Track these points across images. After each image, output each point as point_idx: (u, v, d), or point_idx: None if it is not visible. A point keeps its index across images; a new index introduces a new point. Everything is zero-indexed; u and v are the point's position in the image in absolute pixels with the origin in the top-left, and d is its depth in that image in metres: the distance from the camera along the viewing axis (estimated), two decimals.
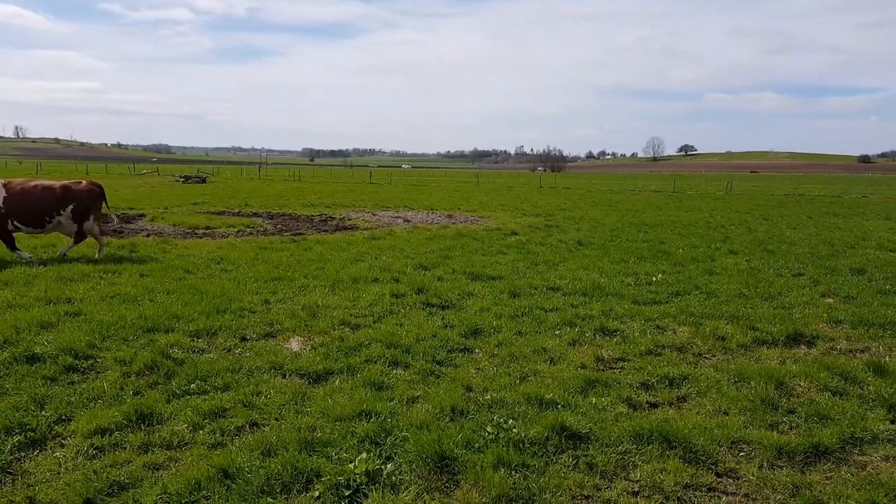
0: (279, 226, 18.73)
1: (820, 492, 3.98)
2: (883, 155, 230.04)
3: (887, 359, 6.45)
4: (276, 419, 4.83)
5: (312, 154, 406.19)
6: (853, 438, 4.67)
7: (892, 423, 4.98)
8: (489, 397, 5.27)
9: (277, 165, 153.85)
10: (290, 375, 5.77)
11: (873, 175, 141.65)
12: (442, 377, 5.79)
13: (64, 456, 4.28)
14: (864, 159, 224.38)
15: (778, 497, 3.94)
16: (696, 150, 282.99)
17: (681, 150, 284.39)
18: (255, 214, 22.32)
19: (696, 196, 41.48)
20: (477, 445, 4.41)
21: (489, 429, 4.63)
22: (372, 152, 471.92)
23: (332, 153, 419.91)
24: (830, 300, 9.20)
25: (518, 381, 5.74)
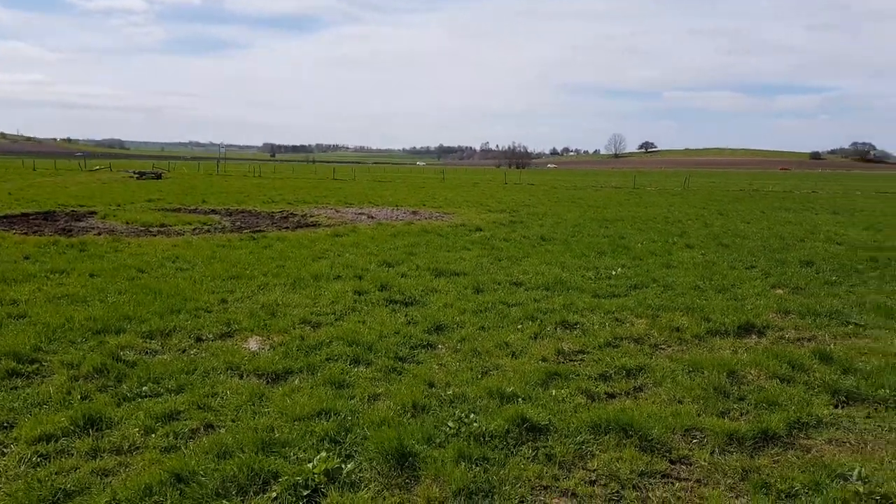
0: (238, 223, 18.44)
1: (767, 475, 4.13)
2: (832, 152, 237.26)
3: (832, 346, 6.70)
4: (233, 420, 4.79)
5: (273, 149, 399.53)
6: (799, 423, 4.85)
7: (836, 407, 5.18)
8: (451, 392, 5.32)
9: (237, 161, 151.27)
10: (247, 376, 5.73)
11: (823, 171, 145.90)
12: (404, 374, 5.82)
13: (5, 465, 4.13)
14: (815, 156, 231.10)
15: (728, 481, 4.07)
16: (655, 147, 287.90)
17: (641, 147, 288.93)
18: (213, 211, 21.95)
19: (655, 192, 42.23)
20: (438, 441, 4.46)
21: (451, 424, 4.68)
22: (336, 148, 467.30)
23: (294, 149, 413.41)
24: (780, 291, 9.50)
25: (480, 376, 5.80)
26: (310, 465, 4.03)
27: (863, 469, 4.09)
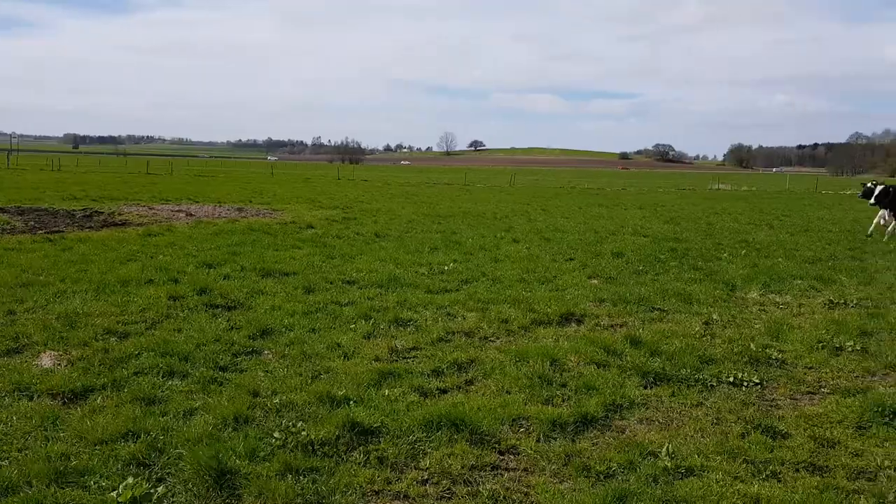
0: (31, 223, 16.33)
1: (588, 457, 4.33)
2: (639, 152, 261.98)
3: (641, 331, 7.27)
4: (20, 450, 4.16)
5: (77, 140, 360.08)
6: (614, 405, 5.17)
7: (646, 388, 5.60)
8: (278, 401, 5.04)
9: (32, 153, 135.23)
10: (39, 397, 5.01)
11: (630, 170, 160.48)
12: (225, 384, 5.42)
13: None
14: (624, 156, 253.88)
15: (552, 468, 4.22)
16: (484, 146, 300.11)
17: (471, 145, 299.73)
18: (1, 210, 19.35)
19: (484, 189, 43.91)
20: (262, 454, 4.18)
21: (277, 434, 4.41)
22: (150, 139, 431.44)
23: (102, 140, 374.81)
24: (595, 281, 10.18)
25: (310, 381, 5.57)
26: (114, 494, 3.59)
27: (670, 445, 4.43)
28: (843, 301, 8.88)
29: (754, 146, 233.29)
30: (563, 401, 5.27)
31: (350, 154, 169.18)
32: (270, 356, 6.23)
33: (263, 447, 4.26)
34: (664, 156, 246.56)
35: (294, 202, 26.00)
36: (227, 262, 10.78)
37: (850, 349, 6.60)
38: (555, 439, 4.61)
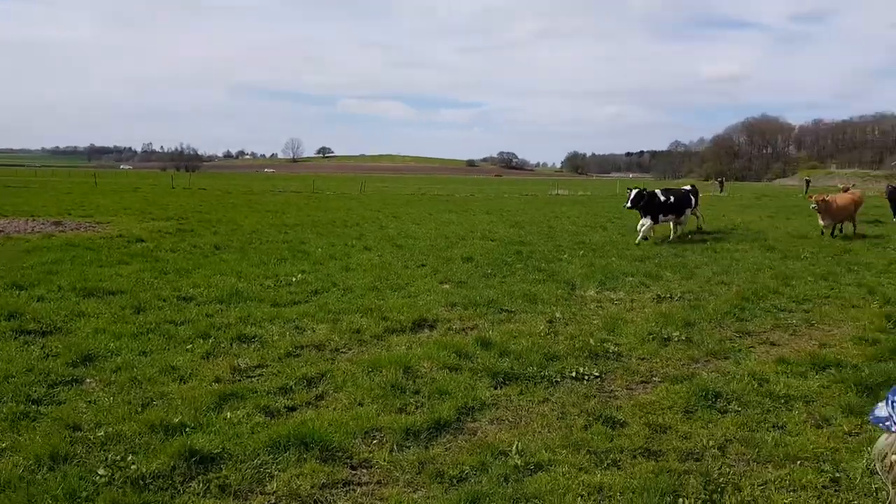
0: None
1: (441, 463, 4.32)
2: (485, 160, 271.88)
3: (491, 332, 7.44)
4: None
5: None
6: (466, 408, 5.21)
7: (496, 388, 5.70)
8: (103, 433, 4.55)
9: None
10: None
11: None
12: (40, 419, 4.81)
13: None
14: (471, 163, 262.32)
15: (406, 477, 4.15)
16: (333, 153, 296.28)
17: (319, 151, 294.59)
18: None
19: (334, 196, 43.28)
20: (84, 495, 3.73)
21: (102, 471, 3.97)
22: None
23: None
24: (447, 286, 10.31)
25: (140, 409, 5.09)
26: None
27: (519, 443, 4.53)
28: (668, 295, 9.67)
29: (588, 154, 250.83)
30: (417, 408, 5.23)
31: (186, 161, 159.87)
32: (94, 384, 5.62)
33: (86, 486, 3.81)
34: (508, 163, 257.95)
35: (121, 214, 24.02)
36: (41, 283, 9.66)
37: (676, 339, 7.17)
38: (409, 448, 4.55)
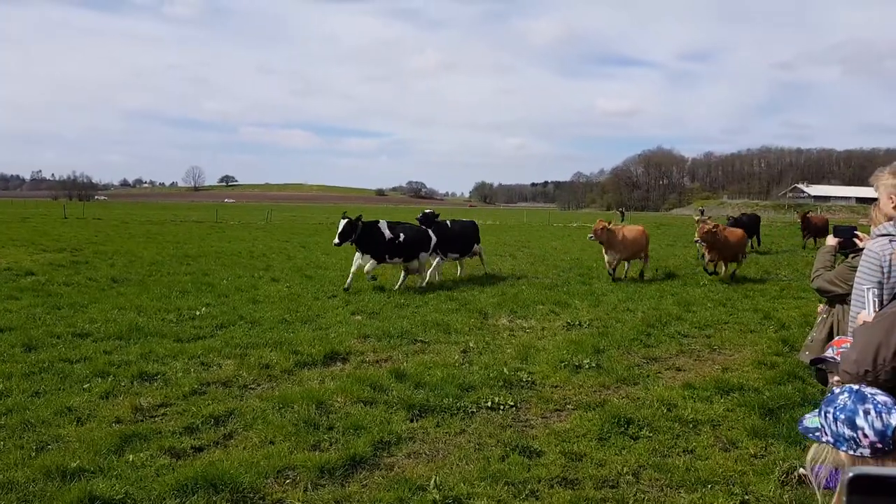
0: None
1: (358, 501, 4.23)
2: (394, 189, 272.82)
3: (405, 364, 7.40)
4: None
5: None
6: (382, 443, 5.14)
7: (412, 421, 5.66)
8: None
9: None
10: None
11: (386, 206, 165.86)
12: None
13: None
14: (380, 192, 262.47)
15: None
16: (236, 181, 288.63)
17: (222, 180, 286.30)
18: None
19: (238, 226, 42.04)
20: None
21: None
22: None
23: None
24: (359, 317, 10.19)
25: (35, 453, 4.76)
26: None
27: (437, 476, 4.50)
28: (578, 323, 9.96)
29: (495, 184, 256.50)
30: (331, 444, 5.11)
31: (79, 190, 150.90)
32: None
33: None
34: (417, 192, 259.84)
35: (9, 245, 22.36)
36: None
37: (587, 366, 7.38)
38: (324, 486, 4.44)
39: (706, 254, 14.37)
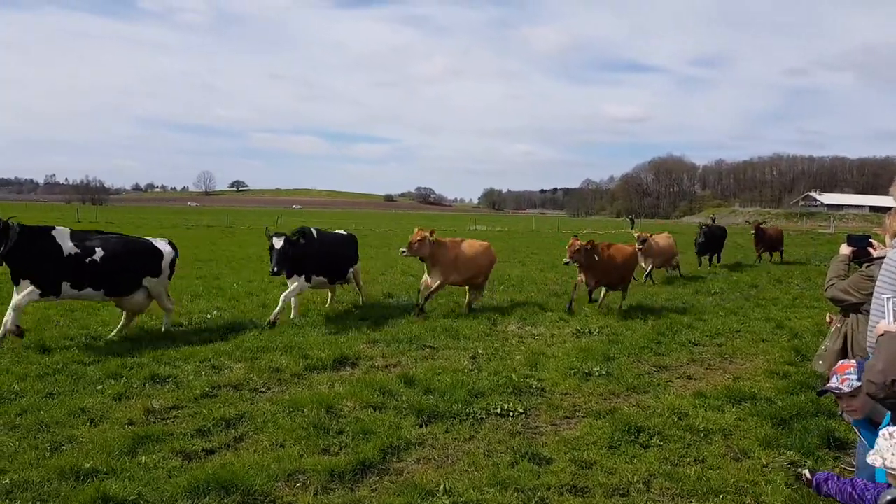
0: None
1: None
2: (402, 195, 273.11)
3: (414, 369, 7.41)
4: None
5: None
6: (392, 448, 5.16)
7: (421, 427, 5.67)
8: (8, 481, 4.29)
9: None
10: None
11: (395, 212, 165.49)
12: None
13: None
14: (389, 198, 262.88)
15: None
16: (247, 186, 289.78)
17: (233, 185, 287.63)
18: None
19: (249, 231, 42.23)
20: None
21: None
22: None
23: None
24: (368, 322, 10.21)
25: (49, 454, 4.83)
26: None
27: (446, 483, 4.51)
28: (587, 330, 9.95)
29: (504, 190, 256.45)
30: (341, 448, 5.14)
31: (92, 194, 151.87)
32: None
33: None
34: (426, 198, 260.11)
35: None
36: None
37: (597, 374, 7.37)
38: (334, 490, 4.46)
39: (583, 277, 11.43)
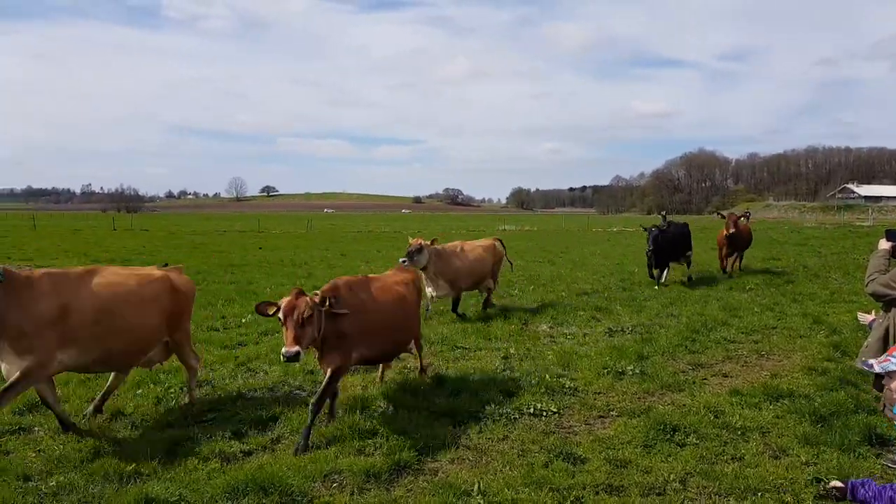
0: None
1: None
2: (430, 196, 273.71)
3: (446, 370, 7.43)
4: None
5: None
6: (426, 448, 5.19)
7: (454, 427, 5.69)
8: (55, 483, 4.45)
9: None
10: None
11: (423, 213, 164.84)
12: None
13: None
14: (417, 200, 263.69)
15: None
16: (277, 191, 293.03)
17: (263, 190, 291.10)
18: None
19: (280, 235, 42.73)
20: None
21: None
22: None
23: None
24: None
25: (92, 457, 4.96)
26: None
27: (481, 482, 4.52)
28: (620, 329, 9.86)
29: (532, 189, 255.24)
30: (376, 449, 5.18)
31: (127, 202, 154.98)
32: (42, 433, 5.43)
33: None
34: (454, 199, 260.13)
35: (62, 257, 23.16)
36: None
37: (630, 373, 7.31)
38: (370, 490, 4.51)
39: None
